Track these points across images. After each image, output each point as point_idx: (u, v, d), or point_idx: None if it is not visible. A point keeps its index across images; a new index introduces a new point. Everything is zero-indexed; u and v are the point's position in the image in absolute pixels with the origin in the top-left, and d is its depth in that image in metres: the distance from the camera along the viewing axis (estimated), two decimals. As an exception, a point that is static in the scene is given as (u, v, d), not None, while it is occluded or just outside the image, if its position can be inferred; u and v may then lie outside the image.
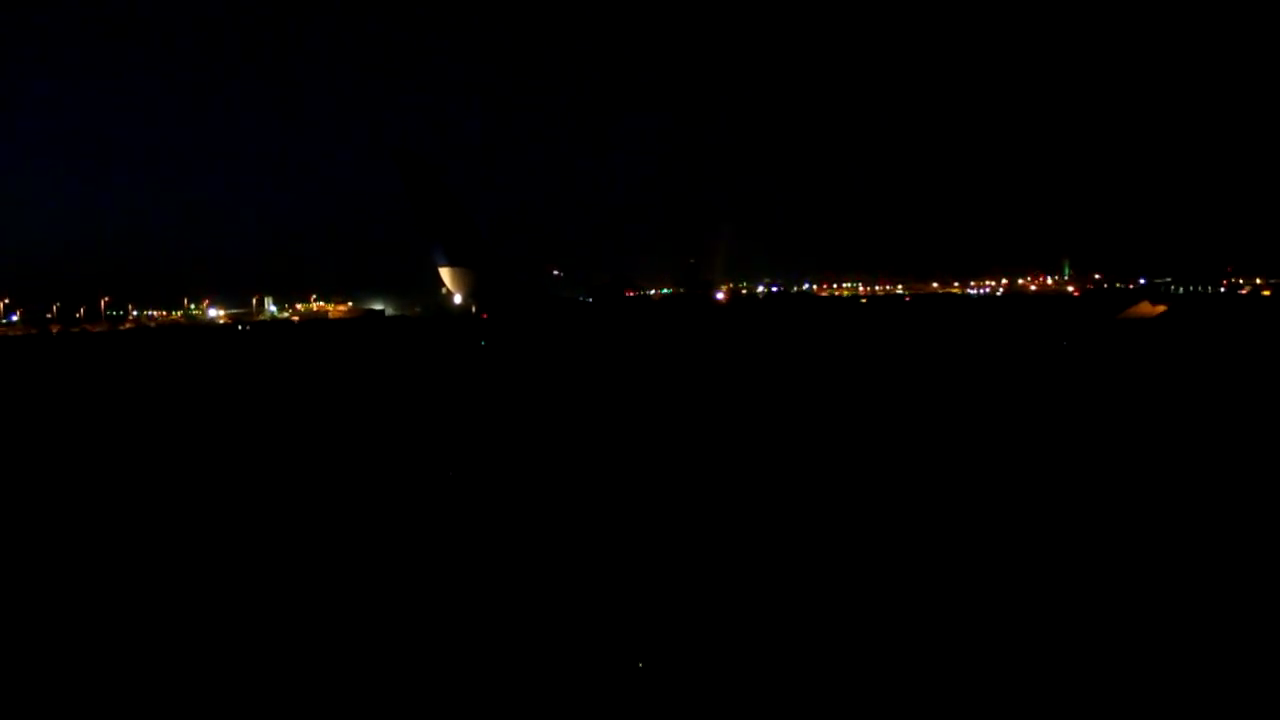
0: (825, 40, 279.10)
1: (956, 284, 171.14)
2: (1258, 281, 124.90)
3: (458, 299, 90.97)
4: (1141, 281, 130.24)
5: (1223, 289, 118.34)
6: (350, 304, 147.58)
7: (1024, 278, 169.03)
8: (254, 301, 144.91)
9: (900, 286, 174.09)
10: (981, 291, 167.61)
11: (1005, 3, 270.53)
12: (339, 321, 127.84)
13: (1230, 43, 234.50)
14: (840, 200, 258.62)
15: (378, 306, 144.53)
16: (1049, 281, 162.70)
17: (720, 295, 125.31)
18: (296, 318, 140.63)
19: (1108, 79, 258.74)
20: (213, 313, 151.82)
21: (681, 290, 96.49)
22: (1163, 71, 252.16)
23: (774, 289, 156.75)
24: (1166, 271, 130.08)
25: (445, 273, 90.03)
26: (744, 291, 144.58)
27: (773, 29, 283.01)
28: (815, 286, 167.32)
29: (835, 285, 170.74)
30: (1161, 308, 67.73)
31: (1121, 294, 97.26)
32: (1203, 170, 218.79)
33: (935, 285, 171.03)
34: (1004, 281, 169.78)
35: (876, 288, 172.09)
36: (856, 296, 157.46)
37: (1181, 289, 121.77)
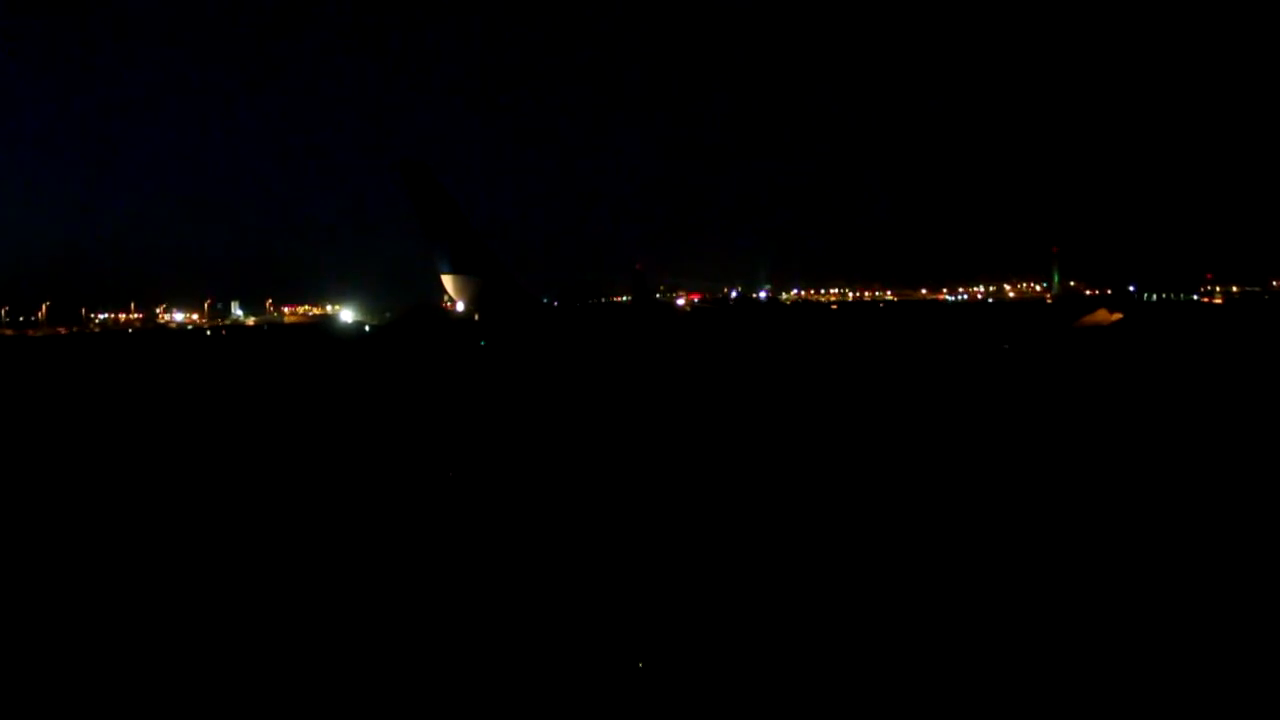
0: (815, 43, 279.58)
1: (943, 290, 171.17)
2: (1233, 289, 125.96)
3: (460, 305, 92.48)
4: (1131, 289, 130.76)
5: (1195, 296, 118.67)
6: (328, 309, 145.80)
7: (1007, 284, 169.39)
8: (206, 305, 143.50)
9: (878, 293, 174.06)
10: (961, 297, 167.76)
11: (1004, 12, 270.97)
12: (292, 326, 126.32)
13: (1229, 41, 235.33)
14: (823, 206, 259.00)
15: (346, 313, 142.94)
16: (1036, 288, 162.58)
17: (680, 301, 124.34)
18: (251, 321, 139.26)
19: (1102, 82, 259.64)
20: (178, 317, 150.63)
21: (628, 299, 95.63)
22: (1157, 76, 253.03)
23: (761, 295, 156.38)
24: (1151, 277, 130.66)
25: (448, 280, 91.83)
26: (713, 296, 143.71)
27: (765, 31, 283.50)
28: (801, 292, 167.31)
29: (810, 291, 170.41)
30: (1118, 315, 67.70)
31: (1085, 301, 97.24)
32: (1192, 177, 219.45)
33: (923, 291, 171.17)
34: (986, 288, 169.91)
35: (857, 294, 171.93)
36: (828, 303, 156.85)
37: (1156, 296, 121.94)
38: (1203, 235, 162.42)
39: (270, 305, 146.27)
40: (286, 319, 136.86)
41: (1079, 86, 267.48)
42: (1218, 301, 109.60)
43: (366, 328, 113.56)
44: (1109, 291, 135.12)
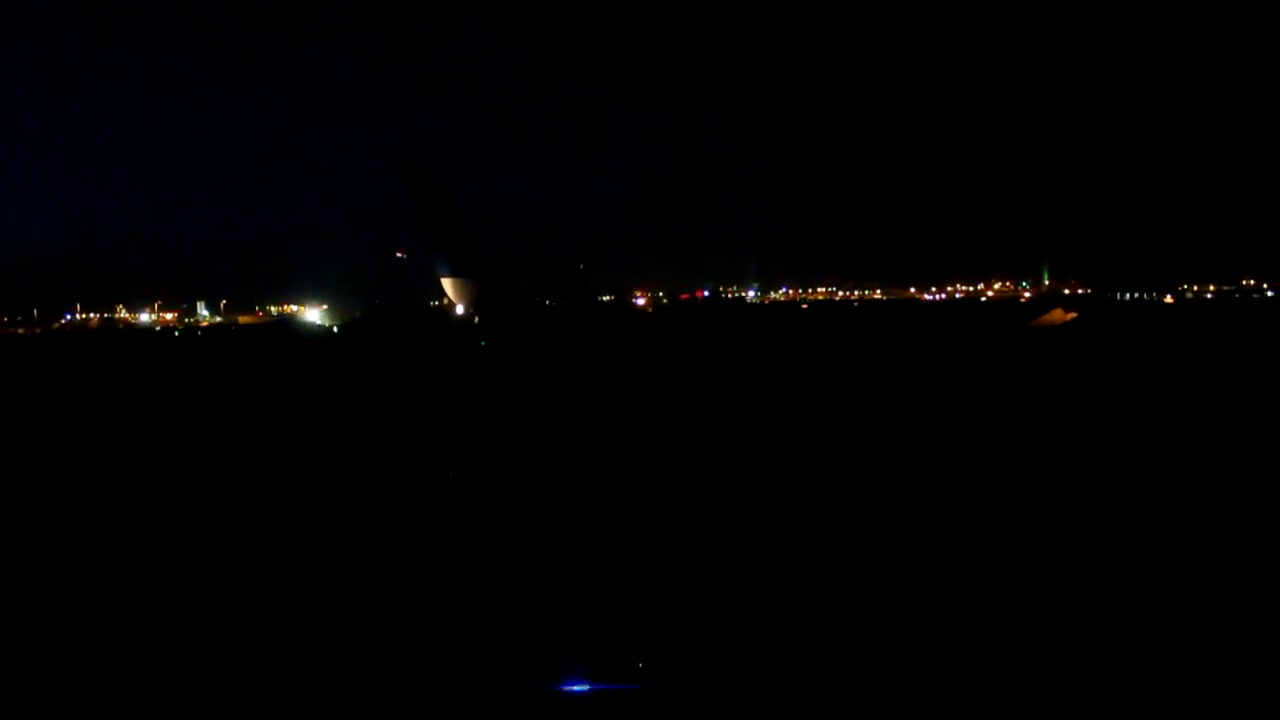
0: (808, 45, 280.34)
1: (931, 289, 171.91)
2: (1210, 288, 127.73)
3: (460, 309, 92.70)
4: (1122, 288, 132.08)
5: (1169, 296, 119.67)
6: (292, 309, 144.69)
7: (996, 284, 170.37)
8: (155, 306, 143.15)
9: (865, 292, 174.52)
10: (938, 298, 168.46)
11: (998, 13, 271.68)
12: (246, 328, 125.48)
13: (1233, 37, 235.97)
14: (815, 207, 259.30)
15: (312, 313, 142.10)
16: (1025, 290, 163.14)
17: (641, 301, 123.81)
18: (205, 323, 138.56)
19: (1100, 80, 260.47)
20: (145, 318, 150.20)
21: (565, 302, 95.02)
22: (1152, 75, 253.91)
23: (750, 294, 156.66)
24: (1136, 277, 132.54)
25: (448, 283, 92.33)
26: (686, 296, 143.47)
27: (757, 33, 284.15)
28: (789, 291, 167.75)
29: (797, 291, 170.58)
30: (1071, 315, 68.51)
31: (1051, 301, 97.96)
32: (1181, 180, 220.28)
33: (912, 290, 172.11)
34: (971, 288, 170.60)
35: (845, 294, 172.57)
36: (799, 302, 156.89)
37: (1131, 295, 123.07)
38: (1189, 236, 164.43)
39: (224, 306, 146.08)
40: (241, 320, 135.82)
41: (1078, 85, 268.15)
42: (1168, 301, 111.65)
43: (335, 329, 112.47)
44: (1089, 291, 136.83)
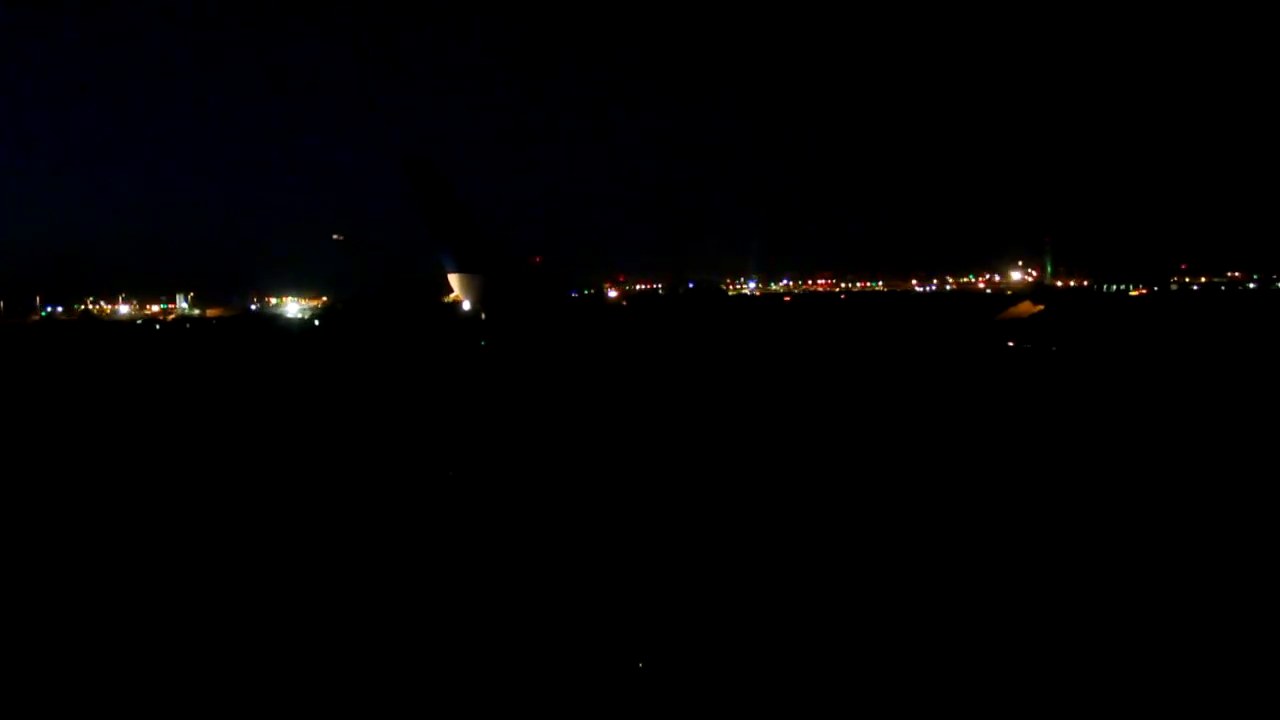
0: (807, 40, 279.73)
1: (933, 281, 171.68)
2: (1200, 280, 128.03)
3: (467, 305, 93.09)
4: (1118, 283, 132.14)
5: (1157, 287, 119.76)
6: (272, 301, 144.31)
7: (976, 278, 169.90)
8: (120, 298, 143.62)
9: (864, 284, 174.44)
10: (931, 290, 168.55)
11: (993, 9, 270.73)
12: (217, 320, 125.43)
13: (1236, 34, 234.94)
14: (816, 201, 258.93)
15: (292, 306, 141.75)
16: (1028, 279, 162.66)
17: (613, 294, 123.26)
18: (173, 316, 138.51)
19: (1104, 70, 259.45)
20: (123, 310, 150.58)
21: (528, 294, 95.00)
22: (1155, 69, 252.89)
23: (750, 286, 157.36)
24: (1131, 269, 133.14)
25: (454, 279, 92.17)
26: (670, 289, 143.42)
27: (755, 28, 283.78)
28: (790, 283, 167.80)
29: (797, 283, 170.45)
30: (1039, 307, 68.24)
31: (1021, 294, 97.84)
32: (1176, 174, 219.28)
33: (914, 283, 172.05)
34: (971, 280, 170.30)
35: (847, 285, 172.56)
36: (784, 294, 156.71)
37: (1117, 287, 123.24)
38: (1181, 231, 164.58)
39: (192, 299, 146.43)
40: (209, 313, 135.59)
41: (1077, 80, 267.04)
42: (1135, 294, 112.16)
43: (317, 321, 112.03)
44: (1086, 283, 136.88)
